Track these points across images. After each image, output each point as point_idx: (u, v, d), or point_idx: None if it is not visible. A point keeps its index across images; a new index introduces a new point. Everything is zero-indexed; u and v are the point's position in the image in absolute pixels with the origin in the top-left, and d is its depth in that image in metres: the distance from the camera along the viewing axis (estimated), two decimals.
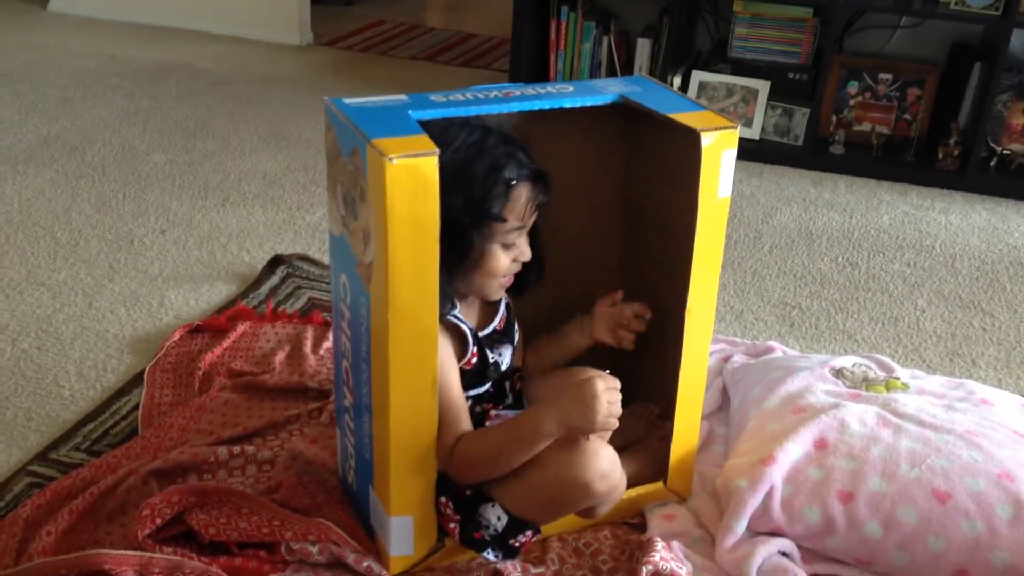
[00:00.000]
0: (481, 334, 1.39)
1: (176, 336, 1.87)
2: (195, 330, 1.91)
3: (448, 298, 1.30)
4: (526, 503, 1.31)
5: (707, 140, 1.27)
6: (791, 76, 3.02)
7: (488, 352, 1.39)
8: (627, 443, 1.53)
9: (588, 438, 1.28)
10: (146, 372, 1.77)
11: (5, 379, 1.76)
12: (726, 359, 1.85)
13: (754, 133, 3.05)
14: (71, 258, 2.21)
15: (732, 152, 1.31)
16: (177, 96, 3.30)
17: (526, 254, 1.35)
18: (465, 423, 1.32)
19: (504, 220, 1.29)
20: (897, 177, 2.92)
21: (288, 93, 3.39)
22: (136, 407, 1.69)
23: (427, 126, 1.22)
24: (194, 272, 2.18)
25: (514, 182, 1.28)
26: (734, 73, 3.04)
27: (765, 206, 2.70)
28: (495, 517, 1.31)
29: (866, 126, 3.04)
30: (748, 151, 2.99)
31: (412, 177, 1.13)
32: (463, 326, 1.36)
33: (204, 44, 3.90)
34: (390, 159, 1.11)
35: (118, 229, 2.35)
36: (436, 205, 1.15)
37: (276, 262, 2.19)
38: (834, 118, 3.04)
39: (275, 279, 2.13)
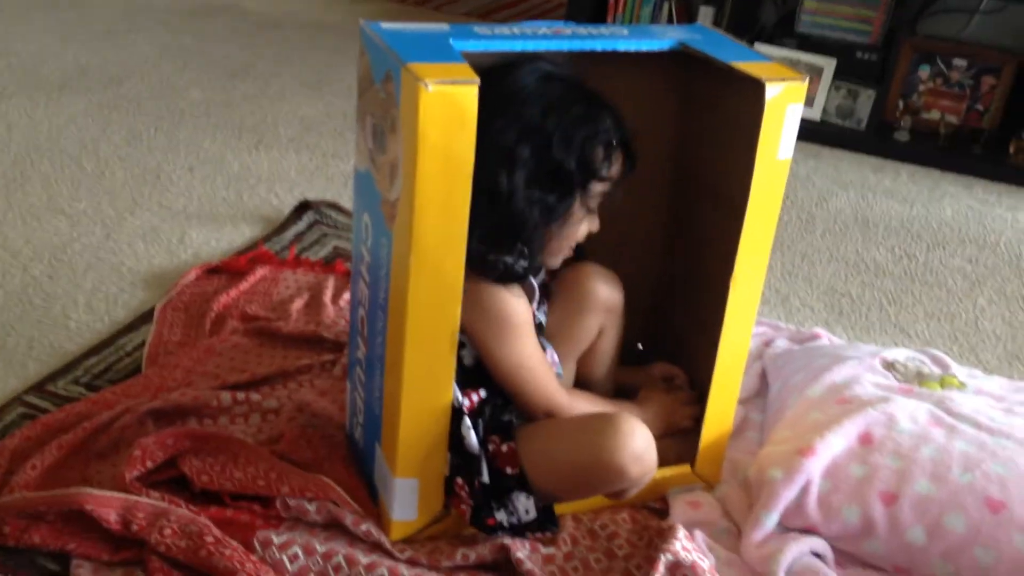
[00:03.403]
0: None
1: (192, 275, 1.79)
2: (213, 270, 1.83)
3: (537, 263, 1.26)
4: (554, 480, 1.22)
5: (772, 91, 1.16)
6: (859, 55, 2.86)
7: (536, 311, 1.31)
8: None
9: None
10: (156, 309, 1.69)
11: (12, 305, 1.69)
12: (768, 343, 1.74)
13: (815, 113, 2.91)
14: (95, 188, 2.13)
15: (798, 108, 1.19)
16: (222, 37, 3.22)
17: (596, 224, 1.29)
18: (555, 380, 1.28)
19: (608, 179, 1.23)
20: (963, 169, 2.76)
21: (336, 41, 3.29)
22: (142, 344, 1.61)
23: (523, 84, 1.16)
24: (219, 211, 2.10)
25: (616, 144, 1.22)
26: (799, 48, 2.89)
27: (821, 189, 2.56)
28: (524, 509, 1.22)
29: (934, 114, 2.88)
30: (807, 132, 2.84)
31: (448, 106, 1.02)
32: (535, 285, 1.29)
33: None
34: (426, 84, 1.01)
35: (146, 163, 2.28)
36: (472, 140, 1.05)
37: (304, 207, 2.10)
38: (901, 103, 2.89)
39: (301, 225, 2.04)
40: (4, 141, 2.30)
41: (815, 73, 2.89)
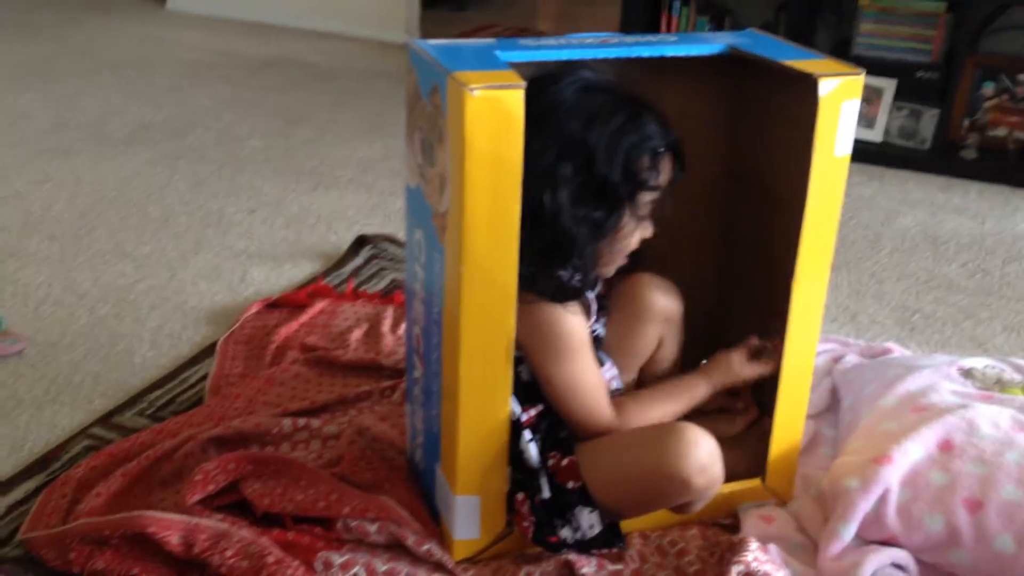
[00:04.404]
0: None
1: (253, 310, 1.81)
2: (273, 305, 1.84)
3: (592, 278, 1.24)
4: (616, 494, 1.19)
5: (826, 87, 1.13)
6: (920, 75, 2.81)
7: (594, 324, 1.30)
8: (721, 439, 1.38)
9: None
10: (219, 343, 1.70)
11: (78, 344, 1.72)
12: (837, 359, 1.68)
13: (876, 135, 2.85)
14: (160, 233, 2.17)
15: (854, 103, 1.16)
16: (281, 88, 3.29)
17: (650, 231, 1.25)
18: (607, 400, 1.25)
19: (656, 188, 1.19)
20: None
21: (391, 88, 3.33)
22: (205, 377, 1.62)
23: (563, 98, 1.14)
24: (279, 250, 2.12)
25: (662, 151, 1.18)
26: None
27: (886, 209, 2.50)
28: (588, 524, 1.18)
29: (1002, 130, 2.81)
30: (869, 154, 2.80)
31: (494, 111, 1.01)
32: (592, 300, 1.27)
33: (312, 40, 3.91)
34: (471, 90, 1.00)
35: (208, 208, 2.32)
36: (520, 145, 1.04)
37: (361, 242, 2.11)
38: (966, 121, 2.82)
39: (359, 260, 2.05)
40: (72, 194, 2.36)
41: (875, 95, 2.85)
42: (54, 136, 2.74)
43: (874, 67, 2.82)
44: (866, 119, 2.85)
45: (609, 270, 1.27)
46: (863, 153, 2.78)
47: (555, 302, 1.18)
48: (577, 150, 1.13)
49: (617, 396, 1.28)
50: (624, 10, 3.08)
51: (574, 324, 1.20)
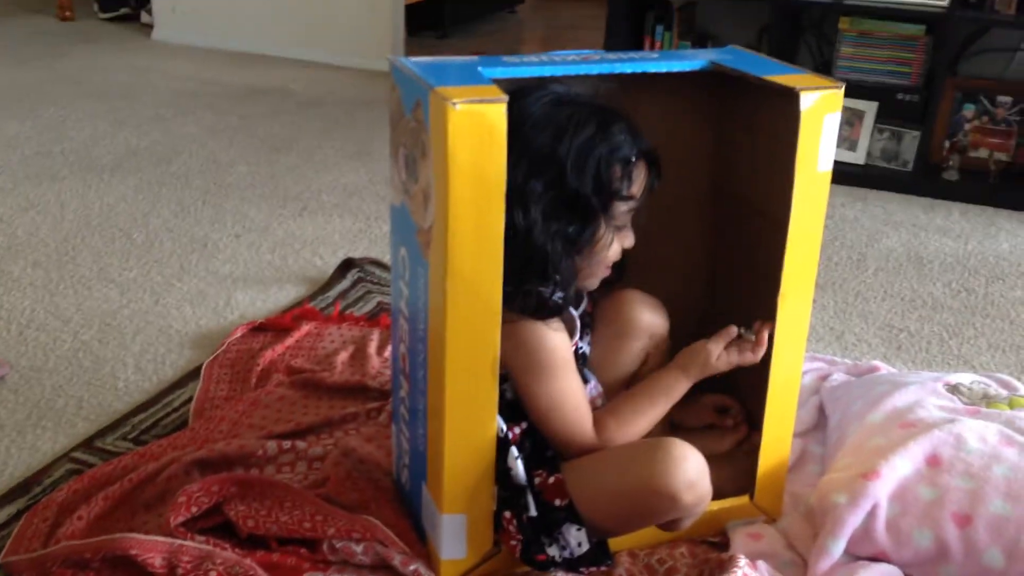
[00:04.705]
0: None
1: (238, 333, 1.80)
2: (258, 328, 1.83)
3: (574, 292, 1.23)
4: (604, 511, 1.18)
5: (807, 101, 1.13)
6: (900, 97, 2.84)
7: (579, 341, 1.29)
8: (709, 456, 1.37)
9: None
10: (204, 367, 1.69)
11: (62, 368, 1.71)
12: (824, 378, 1.68)
13: (859, 157, 2.87)
14: (144, 258, 2.16)
15: (836, 117, 1.16)
16: (267, 116, 3.29)
17: (630, 240, 1.24)
18: (590, 419, 1.23)
19: (630, 197, 1.18)
20: (1018, 205, 2.69)
21: (377, 115, 3.34)
22: (189, 400, 1.61)
23: (530, 112, 1.14)
24: (264, 275, 2.11)
25: (634, 159, 1.18)
26: None
27: (870, 230, 2.51)
28: (576, 542, 1.17)
29: (983, 152, 2.83)
30: (852, 176, 2.82)
31: (477, 125, 1.02)
32: (575, 315, 1.26)
33: (297, 70, 3.91)
34: (453, 104, 1.00)
35: (193, 233, 2.31)
36: (503, 159, 1.04)
37: (347, 266, 2.10)
38: (947, 143, 2.84)
39: (345, 283, 2.05)
40: (57, 219, 2.35)
41: (856, 117, 2.87)
42: (39, 162, 2.73)
43: (855, 90, 2.85)
44: (848, 141, 2.87)
45: (591, 283, 1.26)
46: (846, 175, 2.80)
47: (537, 319, 1.17)
48: (546, 164, 1.13)
49: (597, 411, 1.27)
50: (608, 35, 3.10)
51: (556, 342, 1.19)
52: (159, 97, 3.45)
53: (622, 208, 1.19)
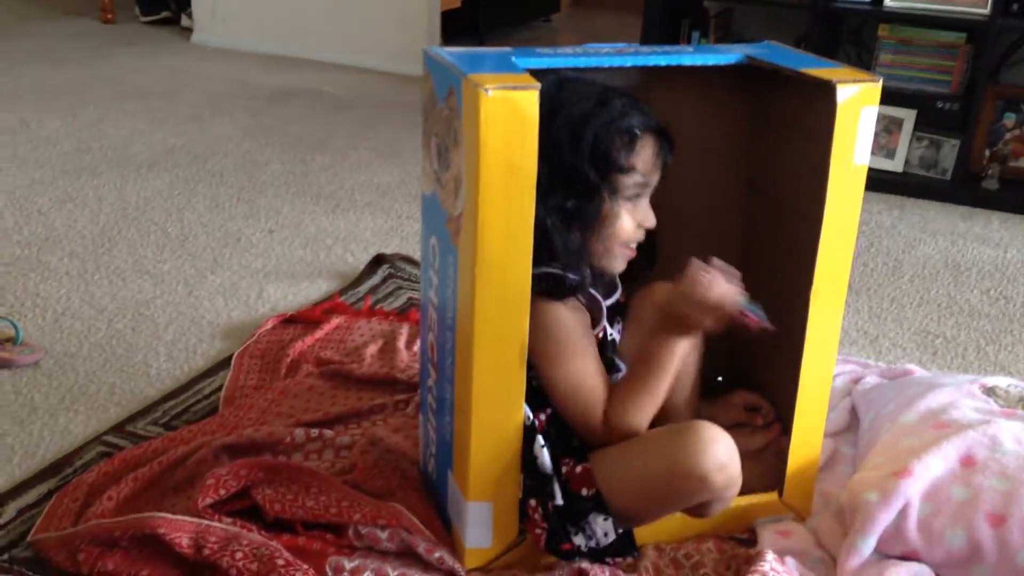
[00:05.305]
0: (606, 304, 1.27)
1: (269, 324, 1.81)
2: (289, 320, 1.84)
3: (586, 271, 1.21)
4: (633, 497, 1.17)
5: (844, 94, 1.12)
6: (940, 105, 2.81)
7: (608, 327, 1.27)
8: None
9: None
10: (234, 356, 1.70)
11: (95, 355, 1.72)
12: (856, 380, 1.66)
13: (897, 165, 2.84)
14: (178, 251, 2.18)
15: (872, 111, 1.15)
16: (301, 116, 3.32)
17: (650, 219, 1.22)
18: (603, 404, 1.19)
19: (632, 169, 1.17)
20: None
21: (410, 117, 3.35)
22: (220, 388, 1.62)
23: (542, 88, 1.12)
24: (296, 269, 2.12)
25: (638, 131, 1.17)
26: None
27: (907, 237, 2.48)
28: (602, 532, 1.16)
29: (1023, 162, 2.80)
30: (889, 184, 2.79)
31: (509, 111, 1.02)
32: (599, 298, 1.24)
33: (333, 73, 3.94)
34: (486, 90, 1.01)
35: (227, 228, 2.33)
36: (534, 146, 1.04)
37: (378, 261, 2.11)
38: (987, 151, 2.81)
39: (376, 279, 2.05)
40: (94, 212, 2.38)
41: (895, 125, 2.84)
42: (78, 158, 2.77)
43: (894, 97, 2.82)
44: (886, 149, 2.84)
45: (611, 263, 1.24)
46: (883, 183, 2.77)
47: (553, 299, 1.17)
48: (542, 142, 1.09)
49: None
50: (643, 40, 3.10)
51: (572, 321, 1.18)
52: (196, 98, 3.48)
53: (628, 181, 1.17)
